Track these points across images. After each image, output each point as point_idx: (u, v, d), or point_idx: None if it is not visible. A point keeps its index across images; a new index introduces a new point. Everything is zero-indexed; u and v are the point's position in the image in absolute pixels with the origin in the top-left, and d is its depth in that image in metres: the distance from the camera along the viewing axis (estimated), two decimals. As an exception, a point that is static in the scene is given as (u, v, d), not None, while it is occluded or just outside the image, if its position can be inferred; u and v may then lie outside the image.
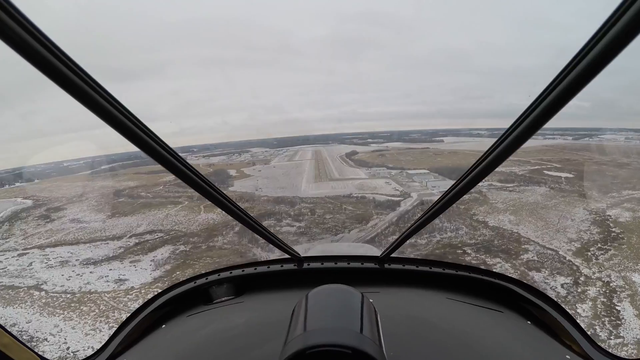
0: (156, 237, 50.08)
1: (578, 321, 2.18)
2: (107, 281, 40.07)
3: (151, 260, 43.43)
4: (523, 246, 41.33)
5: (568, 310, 2.25)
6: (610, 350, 1.98)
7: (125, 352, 2.26)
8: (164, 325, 2.48)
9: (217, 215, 53.93)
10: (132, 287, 38.20)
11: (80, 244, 51.09)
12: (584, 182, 62.36)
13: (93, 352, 2.30)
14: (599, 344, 2.03)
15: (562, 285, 34.56)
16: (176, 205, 61.61)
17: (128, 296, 36.56)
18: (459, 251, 39.88)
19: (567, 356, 1.90)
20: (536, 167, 72.62)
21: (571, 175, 66.48)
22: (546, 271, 36.79)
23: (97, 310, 35.06)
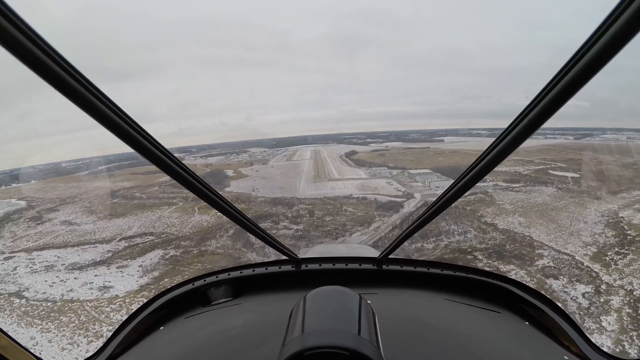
0: (146, 240, 46.79)
1: (576, 322, 2.11)
2: (91, 288, 36.80)
3: (139, 266, 40.16)
4: (537, 251, 37.98)
5: (566, 311, 2.17)
6: (608, 351, 1.91)
7: (123, 354, 2.19)
8: (162, 327, 2.41)
9: (211, 217, 50.93)
10: (117, 295, 34.85)
11: (68, 247, 48.02)
12: (591, 182, 59.33)
13: (91, 354, 2.20)
14: (598, 345, 1.97)
15: (583, 295, 31.18)
16: (170, 206, 58.50)
17: (111, 306, 33.16)
18: (470, 257, 36.50)
19: (565, 357, 1.84)
20: (541, 167, 69.58)
21: (577, 175, 63.22)
22: (564, 278, 33.41)
23: (76, 322, 31.73)
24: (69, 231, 52.98)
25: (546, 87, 1.10)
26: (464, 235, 41.91)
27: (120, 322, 2.44)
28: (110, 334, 2.34)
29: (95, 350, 2.23)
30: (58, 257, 45.32)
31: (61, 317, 32.78)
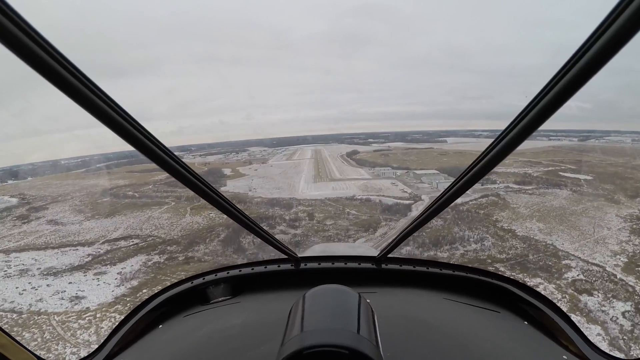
0: (131, 243, 42.10)
1: (574, 321, 2.05)
2: (62, 298, 32.08)
3: (118, 273, 35.39)
4: (563, 262, 32.98)
5: (564, 310, 2.12)
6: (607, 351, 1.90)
7: (122, 352, 2.12)
8: (160, 326, 2.33)
9: (203, 218, 46.83)
10: (88, 308, 30.00)
11: (49, 249, 43.71)
12: (606, 185, 54.97)
13: (90, 353, 2.12)
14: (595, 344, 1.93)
15: (623, 315, 26.13)
16: (161, 206, 53.92)
17: (80, 321, 28.20)
18: (490, 268, 31.28)
19: (564, 356, 1.80)
20: (550, 168, 65.78)
21: (590, 177, 59.11)
22: (599, 294, 28.37)
23: (39, 340, 26.86)
24: (54, 231, 48.80)
25: (545, 87, 1.05)
26: (480, 243, 36.87)
27: (119, 321, 2.29)
28: (109, 332, 2.21)
29: (94, 349, 2.10)
30: (35, 259, 40.93)
31: (24, 333, 27.98)
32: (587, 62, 0.89)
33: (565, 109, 1.04)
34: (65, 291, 33.02)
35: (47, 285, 34.79)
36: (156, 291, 2.57)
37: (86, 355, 2.07)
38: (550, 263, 32.70)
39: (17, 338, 1.67)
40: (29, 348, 1.73)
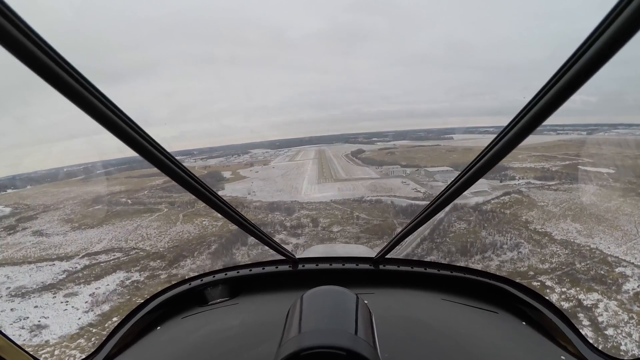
0: (112, 257, 36.82)
1: (573, 322, 2.01)
2: (23, 327, 26.75)
3: (90, 295, 29.95)
4: (617, 270, 26.91)
5: (563, 311, 2.08)
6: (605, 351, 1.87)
7: (120, 354, 2.08)
8: (158, 327, 2.27)
9: (194, 227, 41.56)
10: (47, 341, 24.47)
11: (25, 264, 38.82)
12: (632, 178, 49.33)
13: (88, 354, 2.08)
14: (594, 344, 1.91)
15: None
16: (153, 213, 48.65)
17: None
18: (535, 282, 25.22)
19: (562, 357, 1.75)
20: (567, 162, 60.68)
21: (612, 171, 53.36)
22: (673, 312, 22.27)
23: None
24: (36, 244, 44.66)
25: (550, 82, 1.02)
26: (516, 250, 30.76)
27: (117, 323, 2.24)
28: (107, 334, 2.17)
29: (92, 351, 2.06)
30: (7, 277, 36.06)
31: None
32: (593, 55, 0.85)
33: (570, 102, 0.98)
34: (28, 317, 27.73)
35: (11, 309, 29.54)
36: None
37: (84, 357, 2.01)
38: (602, 272, 26.69)
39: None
40: (27, 350, 1.70)
